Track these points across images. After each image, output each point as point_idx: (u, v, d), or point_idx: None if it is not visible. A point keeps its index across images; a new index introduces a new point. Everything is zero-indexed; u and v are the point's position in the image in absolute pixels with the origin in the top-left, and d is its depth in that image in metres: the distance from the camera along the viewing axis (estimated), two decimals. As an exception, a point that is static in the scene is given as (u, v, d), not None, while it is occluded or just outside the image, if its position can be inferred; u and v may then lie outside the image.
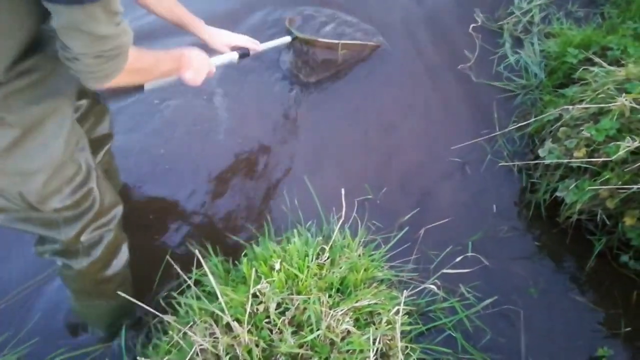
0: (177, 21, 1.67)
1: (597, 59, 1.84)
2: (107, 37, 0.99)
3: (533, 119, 1.90)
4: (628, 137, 1.49)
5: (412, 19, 2.52)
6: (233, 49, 1.79)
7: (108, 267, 1.46)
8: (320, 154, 2.04)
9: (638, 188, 1.46)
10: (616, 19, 2.30)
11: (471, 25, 2.47)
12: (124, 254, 1.50)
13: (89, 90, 1.40)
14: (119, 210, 1.43)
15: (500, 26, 2.45)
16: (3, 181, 1.13)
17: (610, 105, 1.57)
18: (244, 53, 1.78)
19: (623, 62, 1.86)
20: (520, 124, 1.88)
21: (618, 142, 1.51)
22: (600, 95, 1.68)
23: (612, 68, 1.74)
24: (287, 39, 2.14)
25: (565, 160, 1.62)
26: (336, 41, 2.26)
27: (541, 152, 1.75)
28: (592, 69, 1.85)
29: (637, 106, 1.56)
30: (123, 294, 1.27)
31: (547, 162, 1.69)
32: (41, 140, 1.13)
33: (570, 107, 1.71)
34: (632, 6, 2.33)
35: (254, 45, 1.86)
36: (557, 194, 1.70)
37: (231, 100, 2.19)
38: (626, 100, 1.56)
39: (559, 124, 1.77)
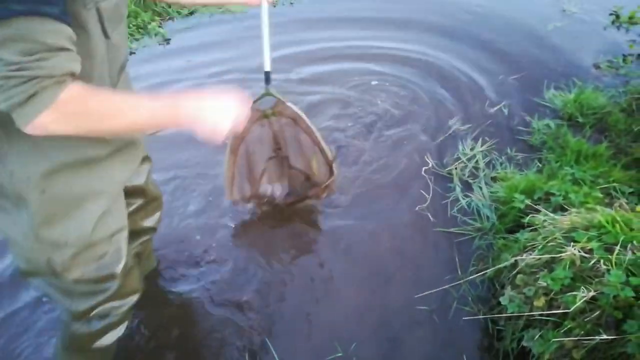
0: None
1: (541, 208, 1.96)
2: (13, 63, 0.85)
3: (491, 265, 1.95)
4: (583, 287, 1.53)
5: (365, 169, 2.67)
6: None
7: (99, 339, 1.49)
8: (284, 313, 1.99)
9: (601, 339, 1.47)
10: (554, 164, 2.49)
11: (423, 168, 2.64)
12: (119, 332, 1.53)
13: (148, 190, 1.61)
14: (134, 298, 1.49)
15: (449, 171, 2.61)
16: (37, 249, 1.18)
17: (560, 255, 1.63)
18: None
19: (566, 208, 1.99)
20: (479, 271, 1.91)
21: (574, 292, 1.55)
22: (550, 244, 1.76)
23: (557, 217, 1.85)
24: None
25: (527, 313, 1.63)
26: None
27: (502, 300, 1.77)
28: (539, 216, 1.96)
29: (586, 255, 1.63)
30: None
31: (509, 313, 1.69)
32: (77, 219, 1.19)
33: (524, 255, 1.77)
34: (567, 151, 2.55)
35: None
36: (524, 344, 1.69)
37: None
38: (575, 249, 1.63)
39: (515, 270, 1.81)
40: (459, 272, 2.11)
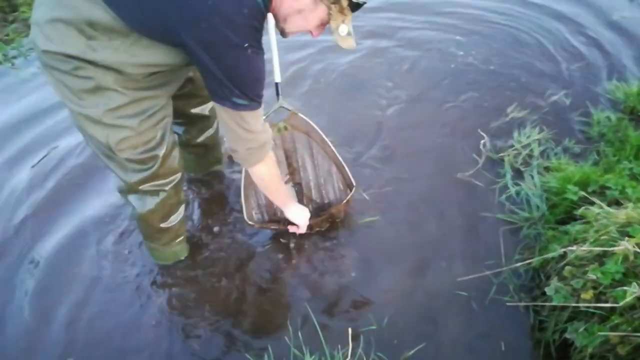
0: None
1: (596, 200, 1.90)
2: (254, 132, 1.55)
3: (537, 255, 1.91)
4: (634, 283, 1.49)
5: (412, 142, 2.66)
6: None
7: (163, 221, 1.88)
8: (324, 284, 2.04)
9: (649, 337, 1.44)
10: (612, 157, 2.40)
11: (476, 150, 2.61)
12: (179, 214, 1.92)
13: (196, 82, 1.90)
14: (176, 177, 1.81)
15: (501, 157, 2.56)
16: (100, 129, 1.53)
17: (613, 249, 1.59)
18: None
19: (622, 202, 1.92)
20: (524, 260, 1.89)
21: (625, 287, 1.51)
22: (603, 237, 1.71)
23: (612, 210, 1.79)
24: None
25: (573, 304, 1.61)
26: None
27: (548, 290, 1.74)
28: (592, 208, 1.90)
29: (641, 250, 1.58)
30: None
31: (554, 304, 1.67)
32: (137, 110, 1.54)
33: (574, 247, 1.73)
34: (626, 145, 2.44)
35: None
36: (567, 335, 1.66)
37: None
38: (629, 244, 1.58)
39: (564, 262, 1.78)
40: (503, 260, 2.08)
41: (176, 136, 1.86)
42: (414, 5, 3.93)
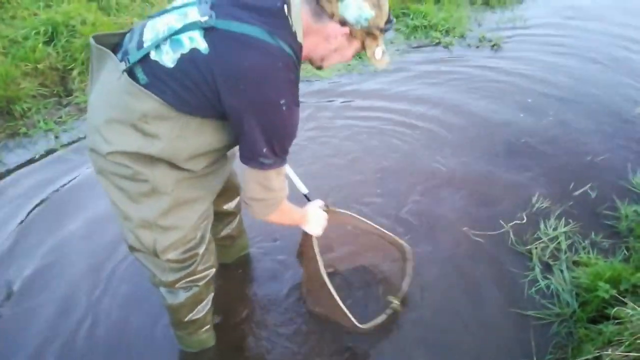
0: None
1: (629, 302, 1.90)
2: (274, 190, 1.53)
3: (570, 355, 1.89)
4: (675, 393, 1.46)
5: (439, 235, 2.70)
6: None
7: (191, 312, 1.89)
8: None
9: None
10: (642, 254, 2.40)
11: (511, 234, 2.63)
12: (205, 305, 1.92)
13: (227, 179, 1.91)
14: (211, 272, 1.83)
15: (529, 250, 2.58)
16: (149, 233, 1.56)
17: (650, 355, 1.57)
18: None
19: (657, 304, 1.91)
20: (558, 361, 1.86)
21: (665, 397, 1.48)
22: (639, 341, 1.70)
23: (646, 313, 1.78)
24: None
25: (612, 412, 1.57)
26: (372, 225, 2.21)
27: (585, 394, 1.71)
28: (626, 309, 1.89)
29: (679, 358, 1.56)
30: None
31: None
32: (187, 213, 1.60)
33: (609, 349, 1.72)
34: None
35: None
36: None
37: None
38: (666, 351, 1.57)
39: (600, 365, 1.75)
40: (535, 358, 2.05)
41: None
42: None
